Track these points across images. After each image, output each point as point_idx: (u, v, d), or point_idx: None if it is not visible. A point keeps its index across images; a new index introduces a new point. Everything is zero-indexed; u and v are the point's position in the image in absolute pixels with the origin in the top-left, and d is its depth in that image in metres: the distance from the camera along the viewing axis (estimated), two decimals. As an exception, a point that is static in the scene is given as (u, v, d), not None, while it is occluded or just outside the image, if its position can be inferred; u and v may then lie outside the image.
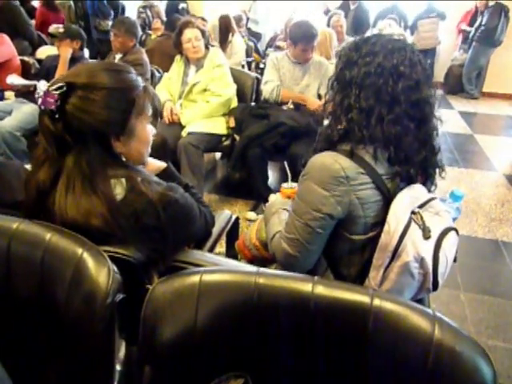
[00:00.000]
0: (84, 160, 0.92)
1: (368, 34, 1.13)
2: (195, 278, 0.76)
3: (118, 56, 3.14)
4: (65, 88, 0.89)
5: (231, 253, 1.49)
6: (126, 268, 0.86)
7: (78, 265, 0.80)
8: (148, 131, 1.04)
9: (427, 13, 6.20)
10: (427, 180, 1.12)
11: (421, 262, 0.98)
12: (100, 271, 0.79)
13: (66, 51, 2.94)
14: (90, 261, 0.80)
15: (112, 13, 5.29)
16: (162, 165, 1.18)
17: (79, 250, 0.81)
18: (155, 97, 1.08)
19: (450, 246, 1.01)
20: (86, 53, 3.34)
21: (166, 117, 2.77)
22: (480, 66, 6.00)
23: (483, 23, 5.65)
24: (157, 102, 1.15)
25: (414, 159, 1.04)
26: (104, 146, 0.94)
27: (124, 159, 0.99)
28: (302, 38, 2.60)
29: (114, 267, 0.81)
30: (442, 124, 1.09)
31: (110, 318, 0.78)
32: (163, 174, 1.16)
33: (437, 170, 1.13)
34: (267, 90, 2.78)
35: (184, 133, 2.69)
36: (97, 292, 0.77)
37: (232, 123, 2.79)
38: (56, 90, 0.89)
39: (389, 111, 1.00)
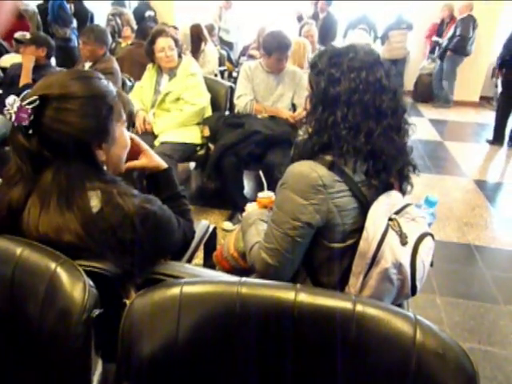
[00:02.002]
0: (63, 174, 0.90)
1: (336, 43, 1.15)
2: (176, 290, 0.75)
3: (88, 64, 3.10)
4: (38, 102, 0.87)
5: (209, 264, 1.48)
6: (102, 282, 0.85)
7: (52, 280, 0.78)
8: (126, 136, 1.05)
9: (398, 24, 6.43)
10: (403, 181, 1.15)
11: (399, 267, 1.00)
12: (75, 286, 0.77)
13: (28, 59, 2.88)
14: (64, 275, 0.78)
15: (73, 20, 5.21)
16: (162, 164, 1.18)
17: (52, 265, 0.79)
18: (128, 101, 1.08)
19: (426, 251, 1.04)
20: (53, 61, 3.28)
21: (139, 126, 2.75)
22: (456, 74, 6.22)
23: (458, 33, 5.86)
24: (131, 106, 1.15)
25: (392, 169, 1.07)
26: (86, 157, 0.93)
27: (105, 167, 0.98)
28: (276, 49, 2.64)
29: (89, 281, 0.79)
30: (415, 130, 1.12)
31: (87, 334, 0.76)
32: (160, 175, 1.16)
33: (411, 169, 1.16)
34: (240, 105, 2.81)
35: (157, 142, 2.67)
36: (72, 308, 0.76)
37: (206, 132, 2.79)
38: (29, 104, 0.87)
39: (377, 125, 1.03)
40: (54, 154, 0.89)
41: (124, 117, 1.03)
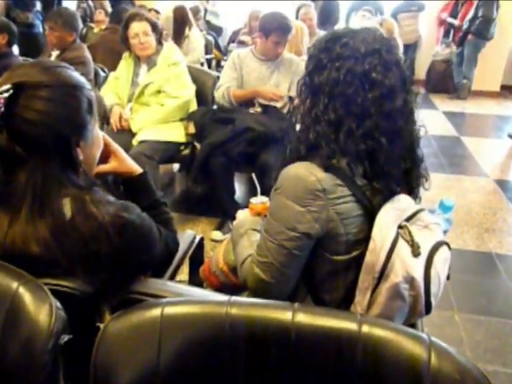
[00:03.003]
0: (40, 174, 0.90)
1: (337, 28, 1.16)
2: (156, 312, 0.75)
3: (55, 53, 3.10)
4: (11, 90, 0.87)
5: (195, 280, 1.48)
6: (71, 303, 0.84)
7: (14, 302, 0.78)
8: (100, 135, 1.06)
9: (407, 6, 6.49)
10: (410, 193, 1.15)
11: (411, 282, 1.00)
12: (40, 308, 0.77)
13: None
14: (27, 296, 0.78)
15: (37, 3, 5.20)
16: (136, 168, 1.17)
17: (14, 284, 0.79)
18: (101, 98, 1.09)
19: (442, 262, 1.04)
20: (16, 49, 3.28)
21: (114, 123, 2.74)
22: (477, 60, 6.27)
23: (480, 15, 5.91)
24: (103, 104, 1.16)
25: (393, 173, 1.07)
26: (65, 155, 0.93)
27: (81, 169, 0.98)
28: (276, 29, 2.64)
29: (56, 303, 0.79)
30: (426, 132, 1.13)
31: (54, 364, 0.76)
32: (134, 182, 1.16)
33: (421, 181, 1.17)
34: (219, 95, 2.82)
35: (135, 141, 2.67)
36: (37, 334, 0.75)
37: (191, 129, 2.79)
38: (1, 93, 0.86)
39: (358, 125, 1.03)
40: (29, 151, 0.89)
41: (97, 116, 1.04)
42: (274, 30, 2.65)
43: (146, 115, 2.76)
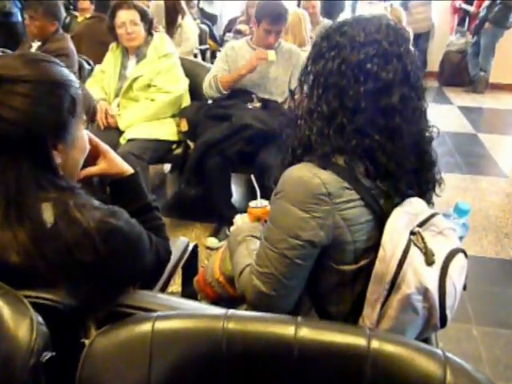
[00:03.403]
0: (12, 177, 0.90)
1: (341, 17, 1.17)
2: (146, 327, 0.75)
3: (36, 44, 3.10)
4: None
5: (189, 292, 1.48)
6: (54, 317, 0.84)
7: (-10, 316, 0.77)
8: (85, 138, 1.06)
9: (419, -9, 6.51)
10: (421, 198, 1.15)
11: (424, 293, 1.00)
12: (20, 323, 0.77)
13: None
14: (5, 310, 0.78)
15: None
16: (127, 169, 1.17)
17: (-9, 297, 0.79)
18: (90, 96, 1.09)
19: (458, 271, 1.04)
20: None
21: (100, 120, 2.75)
22: (494, 51, 6.26)
23: (498, 1, 5.90)
24: (92, 101, 1.16)
25: (398, 173, 1.06)
26: (40, 157, 0.93)
27: (61, 173, 0.98)
28: (267, 16, 2.66)
29: (38, 317, 0.79)
30: (438, 134, 1.14)
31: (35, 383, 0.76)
32: (125, 183, 1.16)
33: (433, 185, 1.17)
34: (206, 85, 2.82)
35: (123, 140, 2.68)
36: (16, 351, 0.75)
37: (184, 126, 2.80)
38: None
39: (350, 120, 1.04)
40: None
41: (84, 116, 1.04)
42: (264, 16, 2.67)
43: (135, 111, 2.77)
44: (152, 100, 2.78)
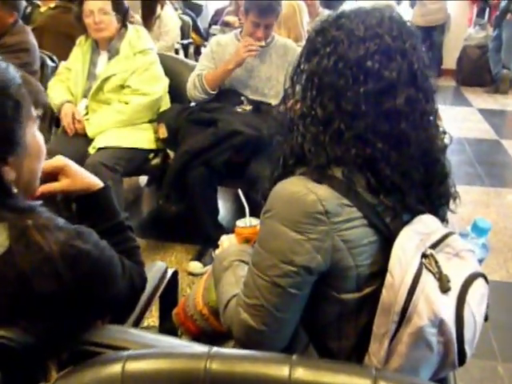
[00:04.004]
0: None
1: (342, 8, 1.18)
2: (116, 368, 0.75)
3: (-9, 38, 3.11)
4: None
5: (167, 326, 1.47)
6: (7, 358, 0.84)
7: None
8: (39, 140, 1.04)
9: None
10: (434, 215, 1.16)
11: (439, 325, 1.00)
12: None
13: None
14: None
15: None
16: (96, 183, 1.18)
17: None
18: (40, 89, 1.08)
19: (477, 299, 1.04)
20: None
21: (67, 126, 2.75)
22: None
23: None
24: (43, 97, 1.15)
25: (405, 187, 1.07)
26: None
27: (15, 190, 0.98)
28: (254, 6, 2.70)
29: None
30: (450, 141, 1.15)
31: None
32: (93, 199, 1.16)
33: (446, 200, 1.18)
34: (189, 86, 2.84)
35: (92, 149, 2.67)
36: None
37: (163, 133, 2.80)
38: None
39: (348, 125, 1.04)
40: None
41: (35, 113, 1.03)
42: (252, 7, 2.71)
43: (106, 116, 2.77)
44: (126, 103, 2.79)
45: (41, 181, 1.09)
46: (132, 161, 2.73)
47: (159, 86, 2.86)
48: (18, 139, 0.96)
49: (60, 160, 1.16)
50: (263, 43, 2.71)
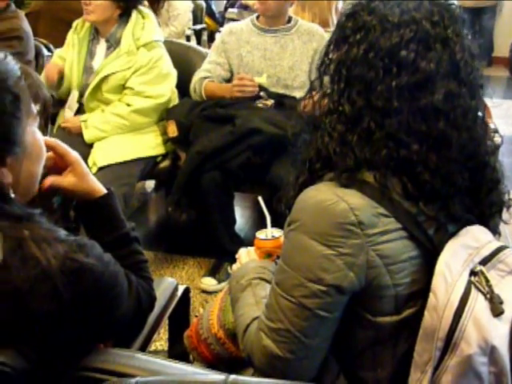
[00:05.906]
0: None
1: None
2: (121, 398, 0.75)
3: (-20, 24, 3.15)
4: None
5: (178, 350, 1.48)
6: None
7: None
8: (39, 139, 1.06)
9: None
10: (484, 225, 1.15)
11: (491, 353, 0.99)
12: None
13: None
14: None
15: None
16: (100, 189, 1.19)
17: None
18: (41, 84, 1.09)
19: (535, 324, 1.04)
20: None
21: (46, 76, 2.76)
22: None
23: None
24: (45, 92, 1.16)
25: (450, 193, 1.06)
26: None
27: (12, 195, 0.99)
28: None
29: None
30: (501, 141, 1.15)
31: None
32: (95, 206, 1.17)
33: (498, 210, 1.17)
34: (191, 88, 2.90)
35: (92, 165, 2.61)
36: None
37: (173, 131, 2.79)
38: None
39: (379, 124, 1.04)
40: None
41: (35, 111, 1.05)
42: None
43: (105, 121, 2.74)
44: (127, 104, 2.75)
45: (43, 173, 1.10)
46: (141, 172, 2.76)
47: (166, 87, 2.83)
48: (17, 137, 0.98)
49: (74, 153, 1.17)
50: (264, 80, 2.76)
